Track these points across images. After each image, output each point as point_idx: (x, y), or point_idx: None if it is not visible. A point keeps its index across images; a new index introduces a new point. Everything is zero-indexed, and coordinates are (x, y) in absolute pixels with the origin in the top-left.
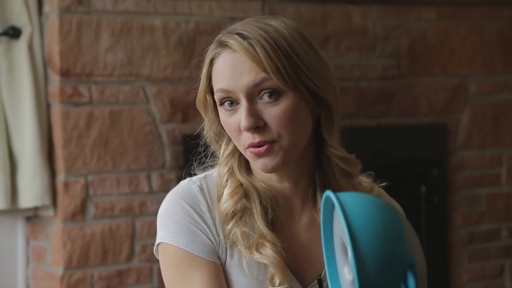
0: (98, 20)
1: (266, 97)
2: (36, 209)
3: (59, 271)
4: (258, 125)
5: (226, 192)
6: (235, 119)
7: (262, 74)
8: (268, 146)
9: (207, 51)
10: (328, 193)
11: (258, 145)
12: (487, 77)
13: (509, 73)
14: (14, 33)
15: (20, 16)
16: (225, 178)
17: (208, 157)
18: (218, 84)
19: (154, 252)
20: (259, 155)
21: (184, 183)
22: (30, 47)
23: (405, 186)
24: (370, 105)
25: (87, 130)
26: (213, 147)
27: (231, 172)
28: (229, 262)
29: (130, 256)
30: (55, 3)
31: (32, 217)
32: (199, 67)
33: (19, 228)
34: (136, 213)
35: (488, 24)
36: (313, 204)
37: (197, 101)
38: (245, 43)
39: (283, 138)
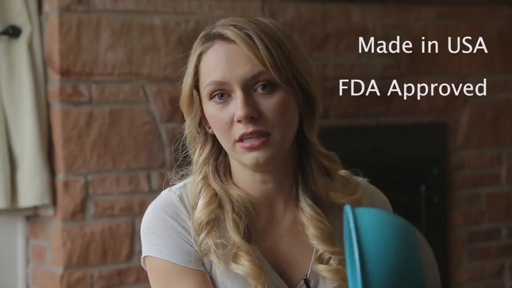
0: (98, 19)
1: (260, 89)
2: (36, 208)
3: (59, 270)
4: (253, 115)
5: (201, 202)
6: (227, 112)
7: (260, 67)
8: (264, 139)
9: (192, 48)
10: (347, 208)
11: (250, 135)
12: (487, 77)
13: (509, 72)
14: (14, 32)
15: (20, 15)
16: (199, 186)
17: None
18: (210, 77)
19: (142, 265)
20: (252, 148)
21: (164, 194)
22: (30, 47)
23: (404, 186)
24: (370, 104)
25: (87, 130)
26: (190, 150)
27: (205, 180)
28: (214, 270)
29: (130, 255)
30: (55, 2)
31: (32, 216)
32: None
33: (19, 227)
34: (136, 213)
35: (488, 23)
36: (295, 204)
37: (182, 99)
38: (242, 34)
39: (277, 131)
